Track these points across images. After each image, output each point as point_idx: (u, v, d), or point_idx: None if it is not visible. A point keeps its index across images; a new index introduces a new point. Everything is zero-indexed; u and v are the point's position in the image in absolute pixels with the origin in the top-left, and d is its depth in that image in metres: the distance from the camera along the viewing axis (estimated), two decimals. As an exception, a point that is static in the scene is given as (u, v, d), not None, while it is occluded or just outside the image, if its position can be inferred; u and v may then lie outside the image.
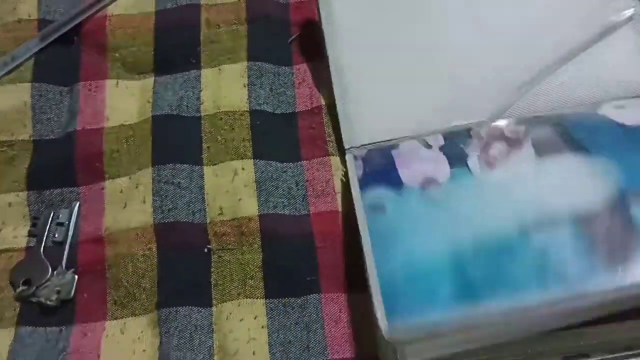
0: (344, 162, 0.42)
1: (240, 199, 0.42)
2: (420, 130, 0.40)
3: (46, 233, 0.42)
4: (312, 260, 0.40)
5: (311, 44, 0.48)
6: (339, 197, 0.43)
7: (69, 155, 0.44)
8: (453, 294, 0.32)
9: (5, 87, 0.47)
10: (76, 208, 0.43)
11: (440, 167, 0.38)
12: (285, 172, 0.43)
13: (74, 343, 0.38)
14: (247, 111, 0.45)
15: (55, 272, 0.41)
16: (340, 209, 0.42)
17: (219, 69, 0.47)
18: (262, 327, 0.38)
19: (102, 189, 0.43)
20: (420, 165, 0.38)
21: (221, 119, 0.45)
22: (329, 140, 0.45)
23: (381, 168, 0.39)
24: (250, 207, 0.41)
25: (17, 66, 0.48)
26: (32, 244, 0.42)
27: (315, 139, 0.45)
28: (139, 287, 0.40)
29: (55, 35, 0.49)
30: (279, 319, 0.38)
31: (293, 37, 0.49)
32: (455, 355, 0.33)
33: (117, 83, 0.48)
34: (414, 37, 0.44)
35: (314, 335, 0.37)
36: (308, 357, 0.37)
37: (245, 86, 0.46)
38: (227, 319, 0.38)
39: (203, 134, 0.45)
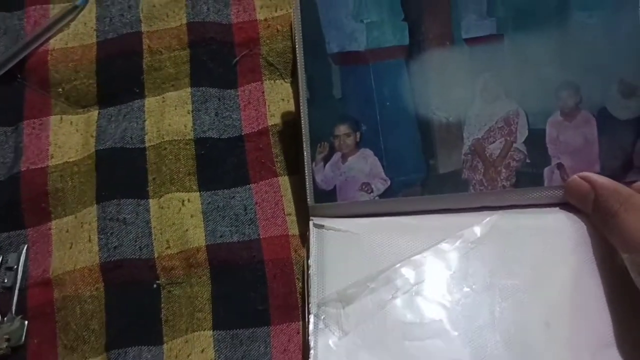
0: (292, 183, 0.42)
1: (186, 230, 0.41)
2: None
3: (-5, 279, 0.42)
4: (262, 289, 0.39)
5: (256, 64, 0.48)
6: (288, 219, 0.42)
7: (15, 198, 0.44)
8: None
9: (-50, 130, 0.46)
10: (24, 251, 0.43)
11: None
12: (233, 197, 0.43)
13: (25, 391, 0.38)
14: (192, 139, 0.45)
15: (5, 319, 0.40)
16: (290, 233, 0.41)
17: (163, 97, 0.47)
18: (210, 359, 0.37)
19: (49, 229, 0.43)
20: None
21: (165, 148, 0.44)
22: (276, 161, 0.44)
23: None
24: (197, 238, 0.41)
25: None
26: (-19, 292, 0.41)
27: (263, 161, 0.44)
28: (87, 330, 0.39)
29: (-2, 75, 0.49)
30: (226, 352, 0.38)
31: (237, 58, 0.48)
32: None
33: (61, 119, 0.47)
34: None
35: (260, 369, 0.37)
36: (254, 390, 0.36)
37: (189, 113, 0.46)
38: (176, 356, 0.38)
39: (148, 165, 0.44)
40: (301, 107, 0.41)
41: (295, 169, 0.44)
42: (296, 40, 0.41)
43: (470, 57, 0.40)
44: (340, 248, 0.39)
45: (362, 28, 0.40)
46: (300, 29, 0.41)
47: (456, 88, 0.40)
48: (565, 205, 0.40)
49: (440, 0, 0.40)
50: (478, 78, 0.40)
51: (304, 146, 0.41)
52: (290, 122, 0.45)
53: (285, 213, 0.42)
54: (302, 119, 0.41)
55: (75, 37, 0.49)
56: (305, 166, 0.40)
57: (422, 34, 0.40)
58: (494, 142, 0.40)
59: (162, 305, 0.39)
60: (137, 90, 0.47)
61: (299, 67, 0.41)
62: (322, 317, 0.36)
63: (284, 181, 0.43)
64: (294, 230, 0.42)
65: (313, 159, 0.40)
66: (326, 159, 0.40)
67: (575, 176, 0.39)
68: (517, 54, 0.40)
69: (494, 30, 0.40)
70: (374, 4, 0.41)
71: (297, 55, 0.41)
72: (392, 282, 0.37)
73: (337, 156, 0.40)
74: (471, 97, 0.40)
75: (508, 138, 0.40)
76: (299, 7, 0.41)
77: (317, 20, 0.41)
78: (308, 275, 0.37)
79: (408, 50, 0.40)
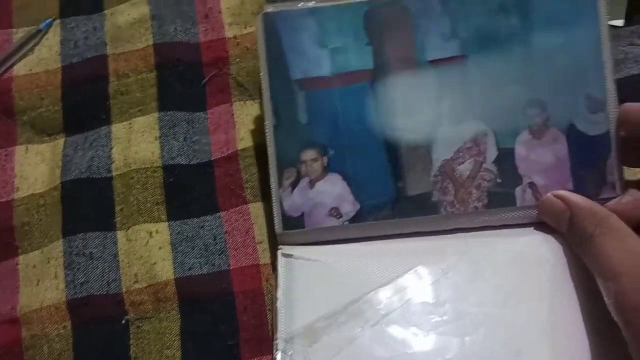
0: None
1: (154, 263, 0.41)
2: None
3: (-37, 317, 0.41)
4: (232, 323, 0.39)
5: (225, 84, 0.47)
6: (259, 247, 0.41)
7: (-19, 233, 0.43)
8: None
9: None
10: (-8, 288, 0.42)
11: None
12: (202, 227, 0.42)
13: None
14: (160, 167, 0.44)
15: (-27, 359, 0.40)
16: (261, 262, 0.41)
17: (130, 123, 0.46)
18: (178, 400, 0.37)
19: (17, 264, 0.42)
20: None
21: (132, 177, 0.43)
22: (246, 187, 0.43)
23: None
24: (165, 271, 0.40)
25: None
26: (-51, 331, 0.41)
27: (233, 188, 0.43)
28: (56, 369, 0.39)
29: (-38, 104, 0.48)
30: (194, 392, 0.37)
31: (206, 79, 0.47)
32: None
33: (27, 148, 0.46)
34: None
35: (227, 408, 0.36)
36: None
37: (157, 139, 0.45)
38: (144, 396, 0.37)
39: (115, 195, 0.43)
40: (267, 133, 0.40)
41: (265, 195, 0.43)
42: (260, 67, 0.40)
43: (436, 78, 0.39)
44: (310, 278, 0.38)
45: (327, 54, 0.40)
46: (265, 55, 0.40)
47: (423, 110, 0.39)
48: (539, 225, 0.39)
49: (402, 23, 0.39)
50: (444, 99, 0.39)
51: (271, 173, 0.40)
52: (260, 146, 0.44)
53: (256, 241, 0.42)
54: (268, 145, 0.40)
55: (40, 63, 0.48)
56: (273, 193, 0.40)
57: (387, 57, 0.39)
58: (463, 162, 0.39)
59: (131, 342, 0.39)
60: (104, 117, 0.46)
61: (263, 93, 0.40)
62: (290, 353, 0.35)
63: (254, 208, 0.43)
64: (265, 259, 0.41)
65: (280, 185, 0.40)
66: (294, 185, 0.40)
67: (549, 194, 0.38)
68: (481, 74, 0.39)
69: (457, 51, 0.39)
70: (338, 29, 0.40)
71: (262, 81, 0.40)
72: (362, 314, 0.36)
73: (304, 182, 0.40)
74: (438, 119, 0.39)
75: (477, 158, 0.39)
76: (262, 35, 0.40)
77: (281, 46, 0.40)
78: (276, 307, 0.37)
79: (373, 73, 0.39)
